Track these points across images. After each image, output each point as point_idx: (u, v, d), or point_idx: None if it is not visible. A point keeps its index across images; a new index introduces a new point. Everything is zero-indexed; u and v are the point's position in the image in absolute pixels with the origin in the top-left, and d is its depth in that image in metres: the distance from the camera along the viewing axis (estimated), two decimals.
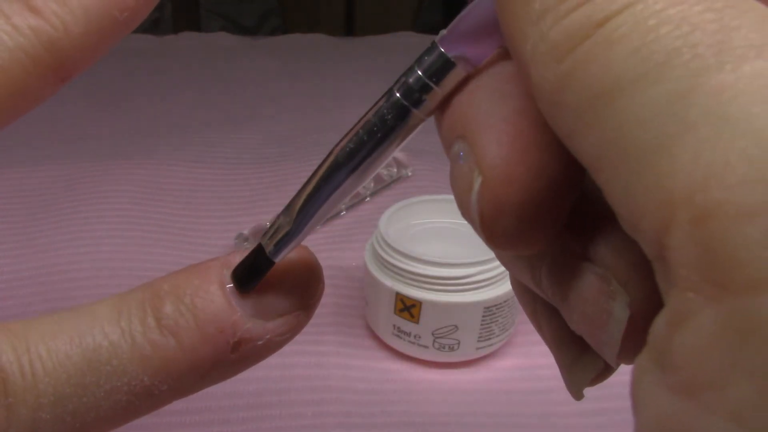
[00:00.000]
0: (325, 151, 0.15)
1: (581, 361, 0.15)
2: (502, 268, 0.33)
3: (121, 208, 0.47)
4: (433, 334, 0.33)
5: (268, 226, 0.15)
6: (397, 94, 0.14)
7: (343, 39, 0.95)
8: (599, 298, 0.13)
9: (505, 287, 0.33)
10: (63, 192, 0.49)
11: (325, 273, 0.46)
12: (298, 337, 0.41)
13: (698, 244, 0.09)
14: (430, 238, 0.37)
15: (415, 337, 0.33)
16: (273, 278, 0.15)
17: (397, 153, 0.54)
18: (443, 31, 0.13)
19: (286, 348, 0.35)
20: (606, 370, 0.15)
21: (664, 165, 0.09)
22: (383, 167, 0.15)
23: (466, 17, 0.13)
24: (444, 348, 0.34)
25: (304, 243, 0.16)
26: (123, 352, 0.14)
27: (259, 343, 0.15)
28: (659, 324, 0.10)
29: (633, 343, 0.12)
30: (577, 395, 0.16)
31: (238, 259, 0.15)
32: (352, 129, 0.14)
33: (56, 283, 0.40)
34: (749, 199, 0.08)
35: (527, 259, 0.15)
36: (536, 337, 0.42)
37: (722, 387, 0.09)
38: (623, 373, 0.39)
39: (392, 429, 0.31)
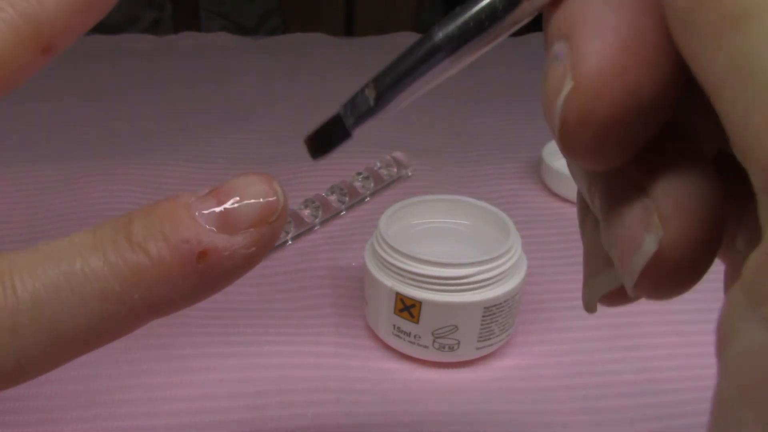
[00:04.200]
0: None
1: (601, 275, 0.16)
2: (503, 268, 0.33)
3: (121, 208, 0.47)
4: (433, 334, 0.33)
5: (351, 97, 0.15)
6: None
7: (343, 39, 0.95)
8: (636, 227, 0.13)
9: (505, 287, 0.33)
10: (63, 192, 0.49)
11: (325, 273, 0.46)
12: (297, 338, 0.41)
13: None
14: (430, 238, 0.37)
15: (415, 337, 0.33)
16: (236, 196, 0.16)
17: (398, 153, 0.54)
18: None
19: (286, 348, 0.35)
20: (621, 296, 0.16)
21: None
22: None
23: None
24: (444, 348, 0.34)
25: (267, 172, 0.17)
26: (95, 263, 0.16)
27: (225, 254, 0.16)
28: (755, 258, 0.10)
29: (651, 278, 0.13)
30: (587, 306, 0.17)
31: (205, 191, 0.17)
32: (457, 11, 0.14)
33: None
34: None
35: (589, 171, 0.15)
36: (536, 336, 0.42)
37: None
38: (621, 373, 0.38)
39: (392, 429, 0.31)
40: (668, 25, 0.11)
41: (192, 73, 0.77)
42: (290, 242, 0.44)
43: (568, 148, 0.13)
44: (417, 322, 0.33)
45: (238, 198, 0.16)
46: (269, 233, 0.17)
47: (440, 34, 0.14)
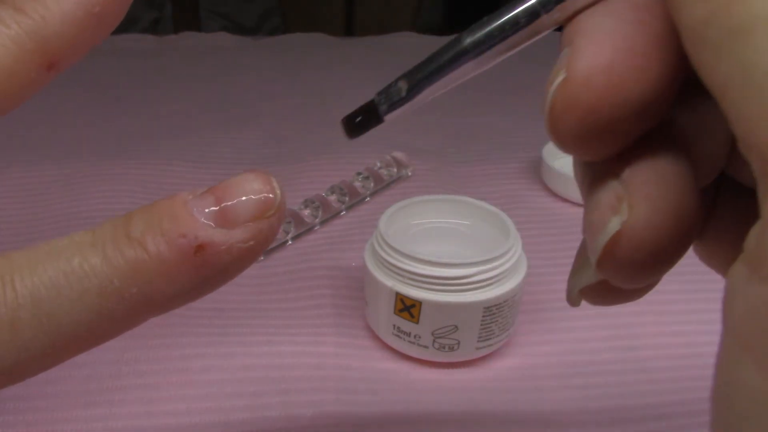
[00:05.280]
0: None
1: (582, 267, 0.17)
2: (503, 268, 0.33)
3: (121, 208, 0.47)
4: (433, 334, 0.33)
5: (385, 87, 0.17)
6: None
7: (343, 39, 0.95)
8: (606, 210, 0.15)
9: (505, 287, 0.33)
10: (63, 192, 0.49)
11: (325, 273, 0.46)
12: (297, 338, 0.41)
13: None
14: (430, 238, 0.37)
15: (415, 337, 0.33)
16: (233, 193, 0.17)
17: (398, 153, 0.54)
18: None
19: (286, 348, 0.35)
20: (603, 292, 0.17)
21: None
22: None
23: None
24: (444, 348, 0.34)
25: (263, 170, 0.17)
26: (93, 259, 0.16)
27: (223, 248, 0.16)
28: (754, 232, 0.12)
29: (611, 258, 0.15)
30: (569, 299, 0.18)
31: (203, 189, 0.17)
32: (484, 21, 0.16)
33: None
34: None
35: (582, 164, 0.17)
36: (536, 337, 0.42)
37: None
38: (621, 373, 0.38)
39: (392, 429, 0.31)
40: (682, 42, 0.13)
41: (192, 73, 0.77)
42: (290, 242, 0.44)
43: (554, 132, 0.15)
44: (417, 322, 0.33)
45: (235, 194, 0.17)
46: (267, 228, 0.17)
47: (468, 40, 0.16)
